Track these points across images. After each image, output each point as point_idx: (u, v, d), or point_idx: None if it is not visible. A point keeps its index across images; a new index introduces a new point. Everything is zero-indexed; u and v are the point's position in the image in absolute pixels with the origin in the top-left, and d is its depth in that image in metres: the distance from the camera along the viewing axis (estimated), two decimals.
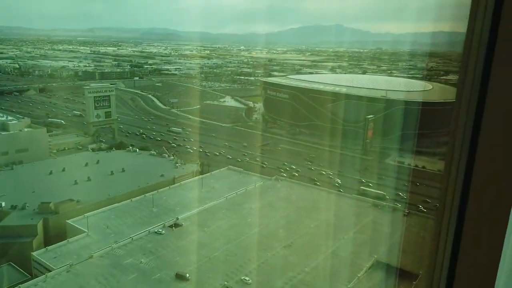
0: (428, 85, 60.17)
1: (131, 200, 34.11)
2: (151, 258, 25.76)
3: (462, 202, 1.92)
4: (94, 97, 65.62)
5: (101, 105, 66.03)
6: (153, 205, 33.43)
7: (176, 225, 30.27)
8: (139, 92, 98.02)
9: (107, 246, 26.63)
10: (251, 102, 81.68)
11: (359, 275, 24.53)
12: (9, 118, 54.17)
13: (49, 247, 27.08)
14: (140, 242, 27.74)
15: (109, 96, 67.59)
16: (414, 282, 24.42)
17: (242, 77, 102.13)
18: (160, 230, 29.37)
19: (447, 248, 2.03)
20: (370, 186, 40.24)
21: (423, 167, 44.29)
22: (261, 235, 29.03)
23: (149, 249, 27.04)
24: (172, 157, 48.08)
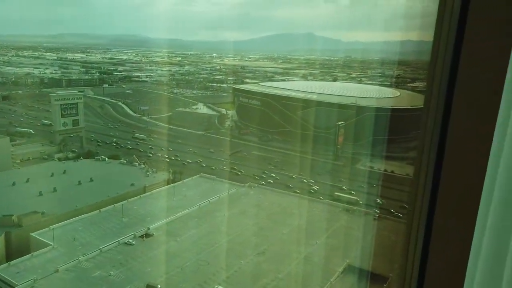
0: (396, 92, 62.06)
1: (100, 210, 33.06)
2: (121, 270, 24.98)
3: (431, 205, 1.95)
4: (61, 104, 63.54)
5: (68, 113, 64.03)
6: (123, 215, 32.54)
7: (147, 235, 29.52)
8: (108, 99, 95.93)
9: (74, 259, 25.60)
10: (224, 109, 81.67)
11: (331, 279, 24.73)
12: None
13: (11, 262, 25.68)
14: (110, 253, 26.86)
15: (76, 103, 65.69)
16: (384, 285, 24.86)
17: (215, 84, 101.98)
18: (131, 240, 28.53)
19: (417, 251, 2.05)
20: (342, 191, 40.87)
21: (392, 171, 45.47)
22: (234, 242, 28.81)
23: (119, 260, 26.23)
24: (143, 166, 47.14)
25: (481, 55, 1.74)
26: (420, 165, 2.02)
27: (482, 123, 1.64)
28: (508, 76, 1.44)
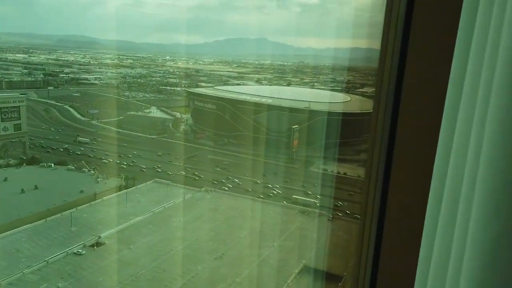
0: (347, 97, 64.30)
1: (46, 220, 31.00)
2: (70, 281, 23.61)
3: (382, 205, 2.02)
4: (1, 108, 59.29)
5: (9, 116, 59.83)
6: (71, 224, 30.82)
7: (98, 244, 28.14)
8: (54, 102, 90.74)
9: (18, 272, 23.85)
10: (178, 113, 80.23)
11: (288, 281, 25.04)
12: None
13: None
14: (57, 264, 25.30)
15: (18, 107, 61.53)
16: (339, 284, 25.56)
17: (168, 88, 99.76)
18: (80, 250, 27.02)
19: (370, 249, 2.12)
20: (298, 193, 41.64)
21: (345, 173, 46.91)
22: (191, 248, 28.29)
23: (67, 271, 24.78)
24: (93, 172, 45.03)
25: (425, 61, 1.87)
26: (370, 167, 2.11)
27: (428, 125, 1.75)
28: (450, 80, 1.53)
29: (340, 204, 36.50)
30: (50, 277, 23.61)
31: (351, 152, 53.25)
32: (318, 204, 38.15)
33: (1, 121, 59.80)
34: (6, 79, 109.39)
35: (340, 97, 69.09)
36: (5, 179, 40.36)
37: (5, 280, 22.78)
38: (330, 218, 34.44)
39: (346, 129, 54.68)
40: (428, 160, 1.67)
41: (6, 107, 60.66)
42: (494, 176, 1.29)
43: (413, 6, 1.89)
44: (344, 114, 55.85)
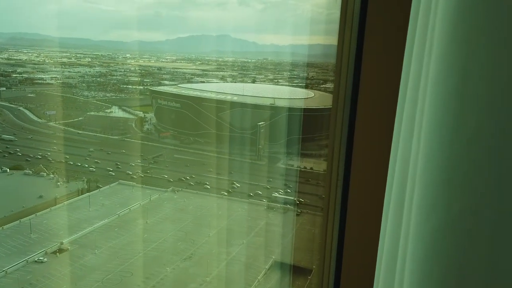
0: (311, 93, 65.30)
1: (3, 227, 29.48)
2: None
3: (344, 199, 2.06)
4: None
5: None
6: (31, 231, 29.43)
7: (60, 250, 27.07)
8: (6, 104, 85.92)
9: None
10: (141, 112, 78.30)
11: (259, 277, 25.19)
12: None
13: None
14: (16, 274, 24.10)
15: None
16: (309, 277, 26.02)
17: (130, 86, 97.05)
18: (42, 258, 25.88)
19: (334, 242, 2.16)
20: (267, 190, 41.92)
21: (311, 168, 47.68)
22: (159, 250, 27.82)
23: (28, 281, 23.68)
24: (52, 176, 43.13)
25: (380, 57, 1.92)
26: (331, 162, 2.15)
27: (385, 120, 1.80)
28: (402, 76, 1.58)
29: (308, 198, 37.11)
30: (8, 287, 22.44)
31: (317, 147, 54.24)
32: (285, 199, 38.57)
33: None
34: None
35: (304, 93, 70.11)
36: None
37: None
38: (299, 213, 34.97)
39: (311, 124, 55.57)
40: (385, 154, 1.71)
41: None
42: (431, 171, 1.34)
43: (367, 2, 1.93)
44: (309, 109, 56.79)
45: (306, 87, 65.80)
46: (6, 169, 44.27)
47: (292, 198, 39.63)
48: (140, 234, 29.71)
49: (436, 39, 1.27)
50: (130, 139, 63.94)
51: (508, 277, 1.25)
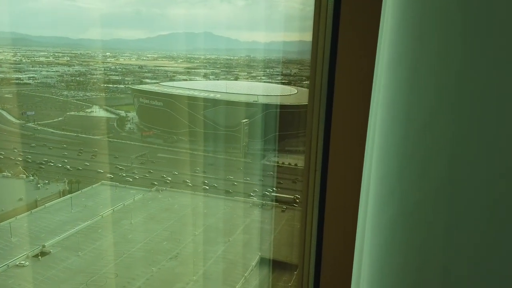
0: (294, 90, 65.59)
1: None
2: None
3: (322, 191, 2.09)
4: None
5: None
6: (11, 235, 28.76)
7: (42, 253, 26.56)
8: None
9: None
10: (123, 111, 77.13)
11: (245, 274, 25.24)
12: None
13: None
14: None
15: None
16: (295, 272, 26.23)
17: (111, 85, 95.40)
18: (23, 262, 25.35)
19: (313, 234, 2.19)
20: (251, 186, 41.97)
21: (296, 164, 47.99)
22: (144, 250, 27.57)
23: (9, 285, 23.22)
24: (32, 178, 42.15)
25: (354, 53, 1.95)
26: (309, 158, 2.18)
27: (359, 115, 1.84)
28: (376, 68, 1.61)
29: (293, 194, 37.33)
30: None
31: (301, 144, 54.64)
32: (267, 196, 38.73)
33: None
34: None
35: (287, 89, 70.39)
36: None
37: None
38: (284, 209, 35.16)
39: (295, 121, 55.88)
40: (361, 146, 1.75)
41: None
42: (387, 162, 1.38)
43: None
44: (292, 106, 57.05)
45: (289, 83, 66.12)
46: None
47: (280, 195, 39.81)
48: (124, 235, 29.38)
49: (388, 33, 1.30)
50: (112, 139, 63.01)
51: (465, 262, 1.28)
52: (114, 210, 34.11)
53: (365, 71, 1.88)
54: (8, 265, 24.25)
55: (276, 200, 37.38)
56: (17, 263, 24.65)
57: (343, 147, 2.02)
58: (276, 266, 26.14)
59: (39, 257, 25.60)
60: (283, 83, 67.06)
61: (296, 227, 31.26)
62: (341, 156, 2.03)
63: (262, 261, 26.50)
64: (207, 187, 42.03)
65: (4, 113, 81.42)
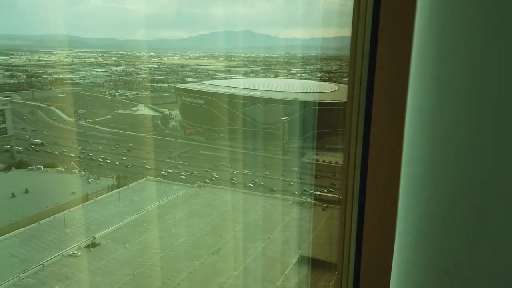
0: (335, 86, 64.55)
1: (39, 223, 30.77)
2: (68, 283, 23.51)
3: (362, 192, 2.11)
4: None
5: None
6: (65, 226, 30.61)
7: (93, 244, 28.05)
8: (39, 104, 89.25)
9: (14, 277, 23.72)
10: (167, 110, 79.61)
11: (286, 272, 25.26)
12: None
13: None
14: (53, 267, 25.15)
15: (3, 110, 60.32)
16: (336, 272, 25.93)
17: (155, 84, 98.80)
18: (76, 252, 26.92)
19: (352, 235, 2.21)
20: (292, 184, 41.86)
21: (336, 162, 47.31)
22: (187, 244, 28.33)
23: (64, 274, 24.66)
24: (83, 172, 44.58)
25: (394, 49, 1.94)
26: (348, 156, 2.18)
27: (397, 111, 1.83)
28: (412, 64, 1.62)
29: (334, 193, 36.84)
30: (47, 280, 23.45)
31: (341, 141, 53.45)
32: (309, 194, 38.42)
33: None
34: None
35: (328, 86, 69.29)
36: None
37: (1, 285, 22.57)
38: (325, 207, 34.79)
39: (335, 119, 54.95)
40: (400, 144, 1.75)
41: None
42: (431, 160, 1.37)
43: None
44: (333, 103, 56.11)
45: (330, 80, 65.07)
46: (40, 166, 46.04)
47: (323, 194, 39.36)
48: (168, 229, 30.33)
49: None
50: (157, 136, 65.15)
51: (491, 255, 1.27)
52: (159, 205, 35.34)
53: (402, 69, 1.88)
54: (62, 254, 25.77)
55: (320, 199, 37.05)
56: (71, 252, 26.12)
57: (383, 145, 2.02)
58: (317, 265, 25.93)
59: (90, 248, 27.02)
60: (323, 80, 66.16)
61: (337, 226, 30.87)
62: (380, 154, 2.03)
63: (303, 260, 26.39)
64: (252, 185, 42.31)
65: (58, 111, 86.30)
